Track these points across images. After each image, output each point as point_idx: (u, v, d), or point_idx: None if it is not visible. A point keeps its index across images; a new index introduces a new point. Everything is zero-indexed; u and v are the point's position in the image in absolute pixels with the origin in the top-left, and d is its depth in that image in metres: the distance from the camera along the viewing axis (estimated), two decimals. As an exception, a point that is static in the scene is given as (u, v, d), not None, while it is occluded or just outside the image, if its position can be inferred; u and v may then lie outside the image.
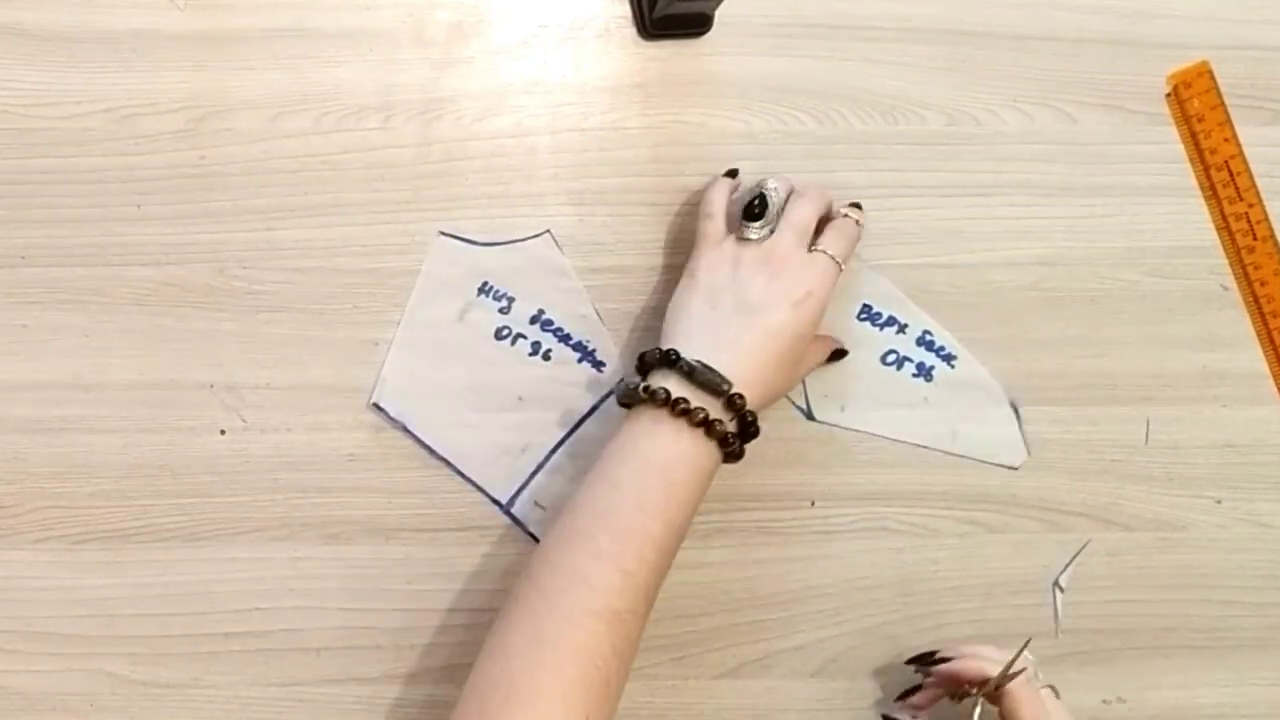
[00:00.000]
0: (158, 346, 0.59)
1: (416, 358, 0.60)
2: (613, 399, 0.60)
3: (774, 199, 0.56)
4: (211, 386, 0.59)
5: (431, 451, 0.59)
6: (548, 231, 0.61)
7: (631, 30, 0.63)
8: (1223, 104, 0.64)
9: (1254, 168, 0.63)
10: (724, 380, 0.51)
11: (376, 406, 0.59)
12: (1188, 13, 0.65)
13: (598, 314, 0.61)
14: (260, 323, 0.60)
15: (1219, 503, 0.62)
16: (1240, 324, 0.63)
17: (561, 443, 0.60)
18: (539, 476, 0.60)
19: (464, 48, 0.62)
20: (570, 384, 0.60)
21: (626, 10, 0.63)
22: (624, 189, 0.62)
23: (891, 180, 0.62)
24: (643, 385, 0.52)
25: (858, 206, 0.59)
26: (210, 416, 0.59)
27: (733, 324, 0.53)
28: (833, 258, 0.55)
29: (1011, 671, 0.52)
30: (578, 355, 0.61)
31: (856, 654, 0.60)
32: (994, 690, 0.52)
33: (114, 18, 0.60)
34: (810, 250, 0.55)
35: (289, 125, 0.60)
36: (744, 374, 0.52)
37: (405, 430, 0.59)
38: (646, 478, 0.50)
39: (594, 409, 0.60)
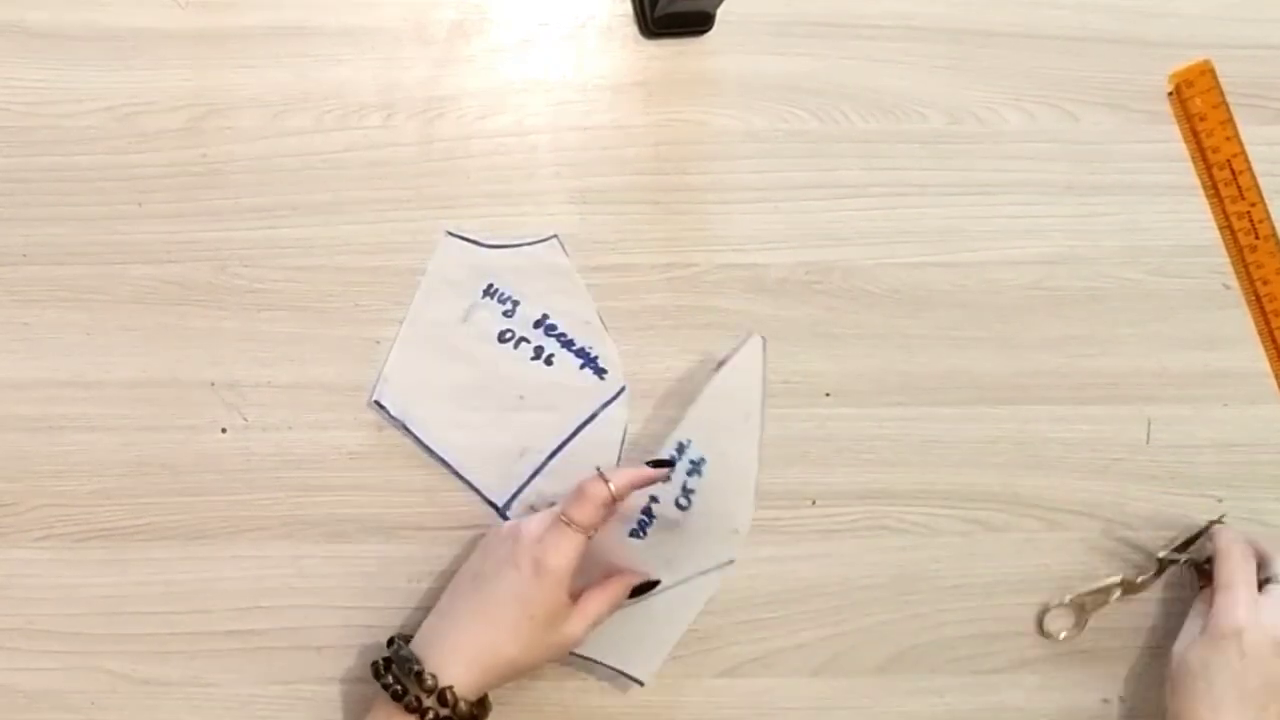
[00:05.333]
0: (159, 345, 0.59)
1: (418, 357, 0.60)
2: (613, 405, 0.60)
3: None
4: (213, 384, 0.59)
5: (430, 451, 0.59)
6: (555, 236, 0.61)
7: (633, 28, 0.63)
8: (1225, 103, 0.63)
9: (1256, 166, 0.63)
10: (414, 661, 0.51)
11: (377, 404, 0.59)
12: (1190, 11, 0.64)
13: (601, 321, 0.61)
14: (262, 321, 0.60)
15: (1220, 501, 0.62)
16: (1242, 323, 0.63)
17: (560, 448, 0.60)
18: (536, 480, 0.60)
19: (465, 46, 0.62)
20: (571, 389, 0.60)
21: (628, 8, 0.63)
22: (626, 187, 0.62)
23: (893, 179, 0.62)
24: (372, 660, 0.53)
25: (664, 463, 0.56)
26: (212, 415, 0.59)
27: (464, 590, 0.53)
28: (570, 525, 0.52)
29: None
30: (580, 361, 0.61)
31: (857, 653, 0.60)
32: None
33: (116, 16, 0.60)
34: (555, 519, 0.53)
35: (291, 123, 0.60)
36: (459, 645, 0.51)
37: (404, 429, 0.59)
38: None
39: (594, 415, 0.60)
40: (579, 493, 0.53)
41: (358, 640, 0.59)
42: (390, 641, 0.54)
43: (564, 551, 0.52)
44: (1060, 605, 0.60)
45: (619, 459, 0.60)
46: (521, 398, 0.60)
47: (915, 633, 0.61)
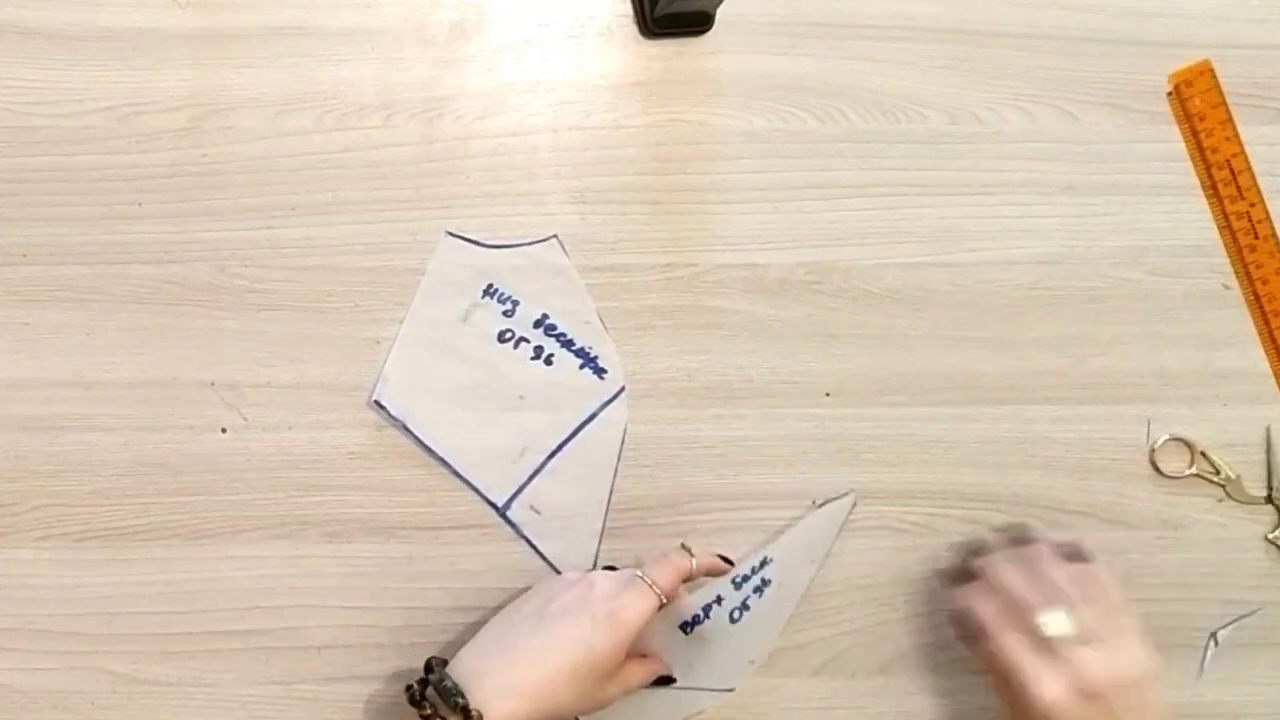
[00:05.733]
0: (159, 344, 0.59)
1: (418, 356, 0.60)
2: (613, 405, 0.60)
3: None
4: (213, 384, 0.59)
5: (429, 451, 0.59)
6: (554, 236, 0.61)
7: (633, 29, 0.63)
8: (1224, 103, 0.64)
9: (1255, 166, 0.63)
10: (458, 694, 0.49)
11: (377, 404, 0.59)
12: (1189, 12, 0.64)
13: (601, 321, 0.61)
14: (261, 321, 0.60)
15: (1220, 501, 0.62)
16: (1241, 323, 0.63)
17: (560, 448, 0.60)
18: (536, 480, 0.60)
19: (466, 46, 0.62)
20: (571, 390, 0.60)
21: (628, 8, 0.63)
22: (625, 187, 0.62)
23: (893, 179, 0.62)
24: (407, 684, 0.51)
25: (728, 561, 0.58)
26: (211, 414, 0.59)
27: (523, 628, 0.52)
28: (651, 586, 0.53)
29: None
30: (580, 361, 0.61)
31: (858, 652, 0.60)
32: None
33: (115, 16, 0.60)
34: (635, 577, 0.54)
35: (290, 123, 0.60)
36: (512, 682, 0.50)
37: (404, 429, 0.59)
38: None
39: (594, 415, 0.60)
40: (664, 559, 0.55)
41: (358, 640, 0.59)
42: (429, 667, 0.52)
43: (641, 610, 0.52)
44: (1171, 440, 0.62)
45: (618, 459, 0.60)
46: (521, 398, 0.60)
47: (915, 633, 0.61)
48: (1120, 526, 0.62)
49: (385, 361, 0.59)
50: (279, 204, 0.60)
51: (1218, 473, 0.62)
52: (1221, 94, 0.64)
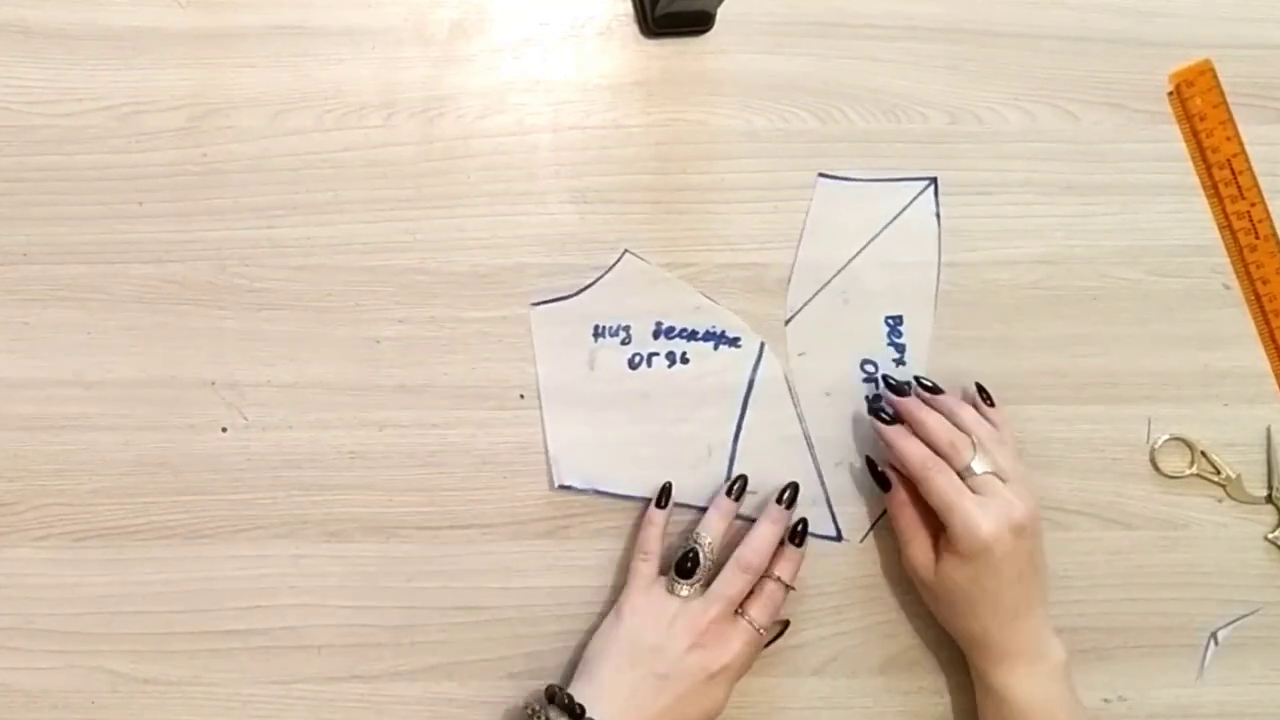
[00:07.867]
0: (159, 344, 0.59)
1: (571, 425, 0.60)
2: (764, 364, 0.60)
3: (705, 555, 0.56)
4: (213, 384, 0.59)
5: (629, 498, 0.59)
6: (626, 251, 0.61)
7: (633, 28, 0.63)
8: (1225, 102, 0.64)
9: (1256, 166, 0.63)
10: None
11: (563, 486, 0.59)
12: (1190, 11, 0.65)
13: (709, 298, 0.61)
14: (262, 320, 0.60)
15: (1220, 501, 0.62)
16: (1242, 323, 0.63)
17: (739, 427, 0.60)
18: (735, 468, 0.60)
19: (466, 45, 0.62)
20: (719, 373, 0.61)
21: (628, 8, 0.63)
22: (625, 187, 0.62)
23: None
24: (532, 712, 0.53)
25: (796, 543, 0.58)
26: (212, 414, 0.59)
27: (646, 689, 0.53)
28: (757, 629, 0.56)
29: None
30: (711, 343, 0.61)
31: (857, 652, 0.60)
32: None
33: (116, 15, 0.60)
34: (736, 616, 0.56)
35: (291, 123, 0.60)
36: None
37: (597, 492, 0.59)
38: None
39: (752, 382, 0.61)
40: (762, 594, 0.56)
41: (358, 640, 0.59)
42: (569, 708, 0.53)
43: (750, 656, 0.56)
44: (1171, 439, 0.62)
45: (796, 406, 0.61)
46: (680, 407, 0.60)
47: (915, 633, 0.61)
48: (1120, 526, 0.62)
49: (546, 445, 0.59)
50: (279, 204, 0.60)
51: (1218, 473, 0.62)
52: (1222, 94, 0.64)
